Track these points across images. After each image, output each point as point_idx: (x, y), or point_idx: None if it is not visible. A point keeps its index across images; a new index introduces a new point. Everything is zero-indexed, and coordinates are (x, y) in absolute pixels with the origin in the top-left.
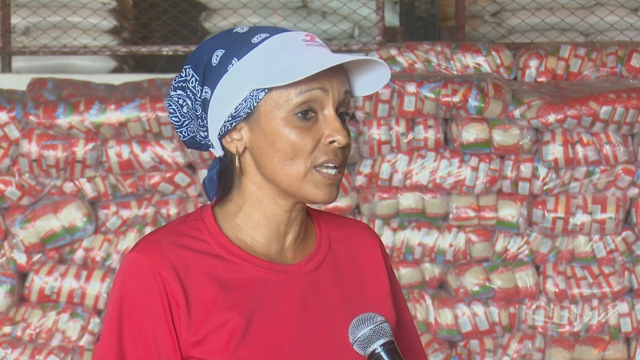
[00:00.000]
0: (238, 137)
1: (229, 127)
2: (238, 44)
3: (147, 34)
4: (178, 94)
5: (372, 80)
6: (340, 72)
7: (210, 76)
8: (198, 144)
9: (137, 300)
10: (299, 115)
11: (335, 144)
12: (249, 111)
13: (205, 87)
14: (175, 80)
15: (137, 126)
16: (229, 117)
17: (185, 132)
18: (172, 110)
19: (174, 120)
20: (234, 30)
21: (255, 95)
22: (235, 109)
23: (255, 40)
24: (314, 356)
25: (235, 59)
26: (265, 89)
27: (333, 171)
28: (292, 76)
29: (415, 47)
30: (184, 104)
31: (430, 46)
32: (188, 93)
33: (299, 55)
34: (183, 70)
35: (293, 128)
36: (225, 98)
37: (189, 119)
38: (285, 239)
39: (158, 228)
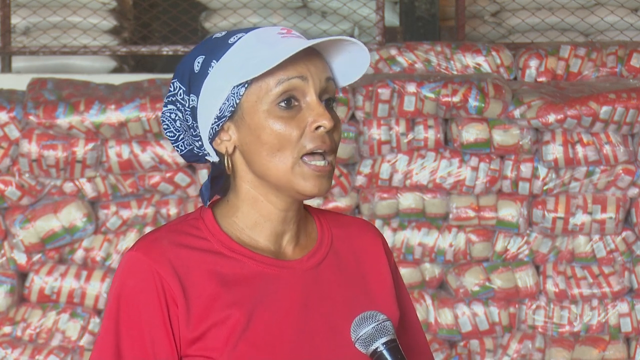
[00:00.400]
0: (227, 137)
1: (217, 129)
2: (217, 47)
3: (147, 34)
4: (169, 109)
5: (355, 66)
6: (318, 60)
7: (194, 83)
8: (196, 156)
9: (135, 299)
10: (282, 105)
11: (322, 129)
12: (232, 109)
13: (191, 95)
14: (165, 97)
15: (137, 126)
16: (215, 118)
17: (181, 145)
18: (166, 126)
19: (169, 136)
20: (213, 37)
21: (237, 92)
22: (220, 109)
23: (231, 40)
24: (315, 352)
25: (214, 61)
26: (245, 83)
27: (321, 162)
28: (267, 65)
29: (415, 47)
30: (176, 117)
31: (430, 46)
32: (178, 106)
33: (274, 47)
34: (171, 84)
35: (277, 119)
36: (210, 101)
37: (182, 132)
38: (282, 239)
39: (158, 227)
